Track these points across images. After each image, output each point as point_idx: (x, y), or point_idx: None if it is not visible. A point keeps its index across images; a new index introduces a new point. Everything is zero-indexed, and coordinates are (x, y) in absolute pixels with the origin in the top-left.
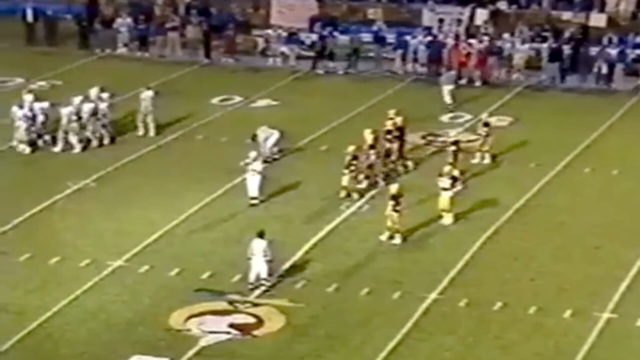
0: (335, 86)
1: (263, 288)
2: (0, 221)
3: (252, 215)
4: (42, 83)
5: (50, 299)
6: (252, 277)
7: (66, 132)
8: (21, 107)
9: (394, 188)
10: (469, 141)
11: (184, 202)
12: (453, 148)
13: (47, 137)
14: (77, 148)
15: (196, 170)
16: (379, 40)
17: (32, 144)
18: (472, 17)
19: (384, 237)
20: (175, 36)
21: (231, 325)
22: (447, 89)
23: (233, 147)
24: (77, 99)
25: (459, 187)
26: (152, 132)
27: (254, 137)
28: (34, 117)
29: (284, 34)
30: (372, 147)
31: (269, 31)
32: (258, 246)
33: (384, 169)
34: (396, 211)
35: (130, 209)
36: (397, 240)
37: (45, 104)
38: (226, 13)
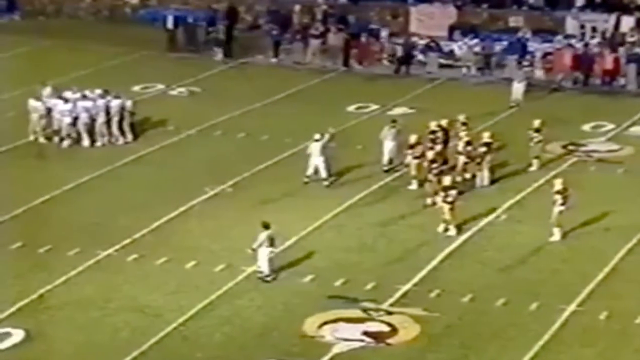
0: (474, 94)
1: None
2: (138, 225)
3: (387, 223)
4: (182, 90)
5: (186, 303)
6: (266, 269)
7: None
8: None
9: (446, 180)
10: (609, 151)
11: (319, 208)
12: (484, 149)
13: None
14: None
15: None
16: (522, 48)
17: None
18: (617, 25)
19: (440, 229)
20: (316, 43)
21: (365, 333)
22: (518, 86)
23: (368, 154)
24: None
25: (560, 202)
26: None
27: (394, 121)
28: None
29: (422, 41)
30: (411, 147)
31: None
32: (263, 237)
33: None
34: (447, 202)
35: (265, 215)
36: (452, 232)
37: (89, 103)
38: (364, 21)
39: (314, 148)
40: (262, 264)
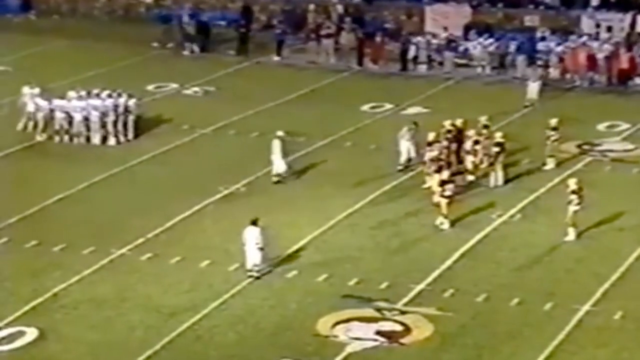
0: (488, 93)
1: (256, 275)
2: (153, 224)
3: (401, 222)
4: (196, 89)
5: (199, 302)
6: (249, 265)
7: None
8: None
9: (444, 174)
10: (624, 151)
11: (332, 208)
12: (497, 149)
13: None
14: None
15: (345, 177)
16: (532, 47)
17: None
18: (633, 24)
19: (437, 222)
20: (329, 43)
21: (378, 333)
22: (532, 85)
23: (382, 154)
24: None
25: (576, 201)
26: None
27: (415, 124)
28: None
29: (435, 41)
30: (429, 144)
31: (420, 38)
32: (251, 234)
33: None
34: (444, 197)
35: (279, 214)
36: (445, 225)
37: (98, 101)
38: (379, 21)
39: (275, 145)
40: (255, 260)
